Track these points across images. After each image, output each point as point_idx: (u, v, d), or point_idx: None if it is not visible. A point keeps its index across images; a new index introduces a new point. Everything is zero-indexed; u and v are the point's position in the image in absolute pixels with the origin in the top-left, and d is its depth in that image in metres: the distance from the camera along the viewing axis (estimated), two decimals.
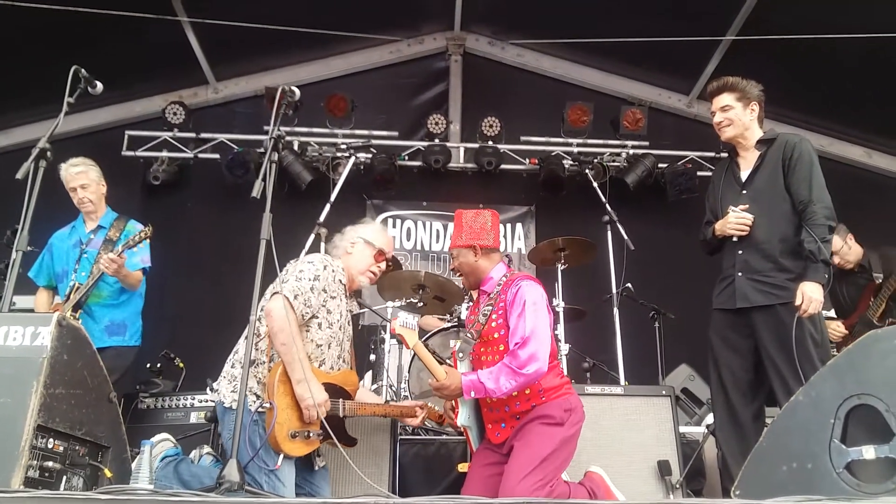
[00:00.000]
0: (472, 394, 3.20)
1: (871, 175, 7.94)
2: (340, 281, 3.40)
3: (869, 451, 2.22)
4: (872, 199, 7.16)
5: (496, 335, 3.32)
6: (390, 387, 5.17)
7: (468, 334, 3.48)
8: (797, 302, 3.44)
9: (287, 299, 3.04)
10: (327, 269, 3.30)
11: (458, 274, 3.61)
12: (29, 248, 3.33)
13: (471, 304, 5.07)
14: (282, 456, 3.00)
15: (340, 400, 3.27)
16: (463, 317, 5.02)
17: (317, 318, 3.24)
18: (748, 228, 3.76)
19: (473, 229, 3.50)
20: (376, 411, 3.50)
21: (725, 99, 3.90)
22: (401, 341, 3.36)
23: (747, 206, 3.80)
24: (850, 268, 5.30)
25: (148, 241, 4.57)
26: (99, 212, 4.67)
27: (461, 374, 3.26)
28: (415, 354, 4.95)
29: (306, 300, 3.14)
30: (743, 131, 3.89)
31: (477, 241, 3.47)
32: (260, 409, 3.00)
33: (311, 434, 3.09)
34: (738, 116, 3.88)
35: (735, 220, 3.78)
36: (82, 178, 4.56)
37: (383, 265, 3.62)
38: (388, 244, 3.65)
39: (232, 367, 3.24)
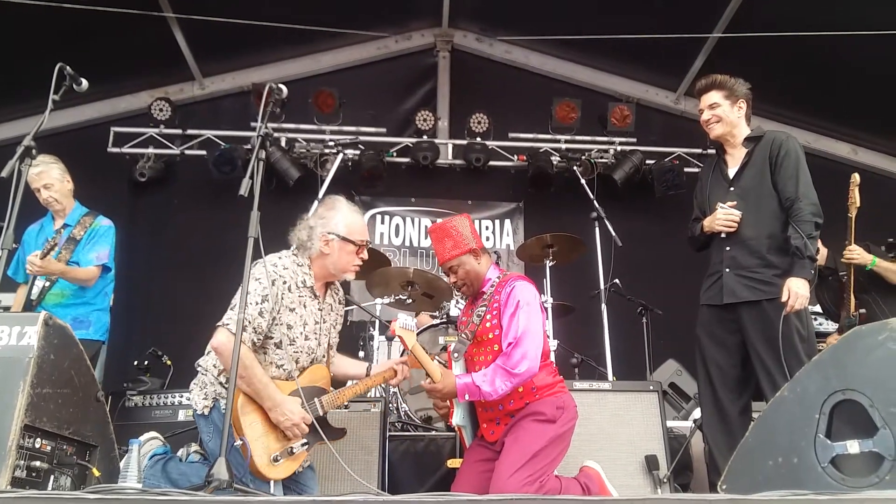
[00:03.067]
0: (467, 396, 3.21)
1: (857, 171, 7.96)
2: (303, 284, 3.21)
3: (853, 446, 2.25)
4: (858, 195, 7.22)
5: (489, 336, 3.33)
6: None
7: (462, 335, 3.47)
8: (783, 298, 3.47)
9: (234, 335, 2.77)
10: (276, 284, 3.08)
11: (462, 285, 3.49)
12: (14, 245, 3.31)
13: (460, 299, 5.10)
14: (272, 483, 2.95)
15: (315, 400, 3.17)
16: (452, 313, 5.02)
17: (272, 337, 3.09)
18: (736, 224, 3.80)
19: (463, 235, 3.43)
20: (357, 391, 3.38)
21: (713, 97, 3.93)
22: (401, 343, 3.33)
23: (735, 202, 3.83)
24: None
25: (108, 236, 4.55)
26: (67, 209, 4.59)
27: (455, 375, 3.25)
28: (405, 352, 4.97)
29: (256, 327, 3.00)
30: (731, 129, 3.92)
31: (472, 244, 3.43)
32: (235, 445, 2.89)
33: (294, 449, 3.02)
34: (726, 114, 3.90)
35: (723, 217, 3.82)
36: (44, 177, 4.47)
37: (365, 254, 3.39)
38: (364, 231, 3.39)
39: (202, 373, 3.17)
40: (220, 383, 3.08)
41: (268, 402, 2.97)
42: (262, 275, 3.08)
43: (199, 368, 3.22)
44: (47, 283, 4.37)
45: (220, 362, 3.04)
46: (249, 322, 2.96)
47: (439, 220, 3.55)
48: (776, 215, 3.73)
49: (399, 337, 3.22)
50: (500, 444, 3.28)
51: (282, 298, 3.10)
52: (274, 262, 3.17)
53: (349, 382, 3.59)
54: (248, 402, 2.99)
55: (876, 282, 5.06)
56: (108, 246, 4.57)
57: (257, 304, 3.02)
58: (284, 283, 3.13)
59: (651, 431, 4.03)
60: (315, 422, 3.05)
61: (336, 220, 3.30)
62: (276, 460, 2.97)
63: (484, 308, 3.38)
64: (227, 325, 2.95)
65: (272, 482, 2.96)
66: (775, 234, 3.72)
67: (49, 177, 4.49)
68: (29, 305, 4.32)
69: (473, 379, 3.19)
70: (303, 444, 3.05)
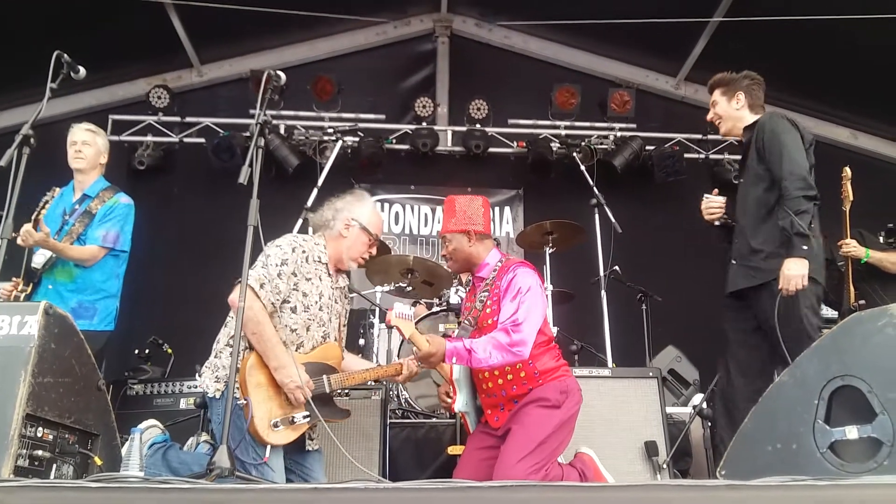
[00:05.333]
0: (454, 360, 3.15)
1: (857, 156, 7.96)
2: (318, 260, 3.34)
3: (852, 432, 2.26)
4: (858, 180, 7.21)
5: (489, 321, 3.33)
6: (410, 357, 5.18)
7: (465, 322, 3.47)
8: (780, 283, 3.48)
9: (252, 288, 3.01)
10: (296, 252, 3.23)
11: (449, 260, 3.56)
12: (14, 235, 3.29)
13: (460, 287, 5.11)
14: (269, 448, 2.99)
15: (324, 377, 3.23)
16: (452, 301, 5.03)
17: (288, 302, 3.19)
18: (717, 212, 3.92)
19: (467, 214, 3.47)
20: (366, 377, 3.45)
21: (713, 96, 4.04)
22: (399, 333, 3.33)
23: (718, 190, 3.97)
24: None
25: (123, 216, 4.40)
26: (89, 178, 4.47)
27: (446, 339, 3.23)
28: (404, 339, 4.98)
29: (274, 287, 3.10)
30: (733, 123, 3.99)
31: (471, 225, 3.45)
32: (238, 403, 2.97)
33: (295, 419, 3.06)
34: (724, 110, 3.98)
35: (704, 206, 3.95)
36: (89, 136, 4.42)
37: (374, 251, 3.58)
38: (381, 228, 3.59)
39: (215, 356, 3.21)
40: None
41: (274, 362, 3.04)
42: (282, 242, 3.25)
43: (214, 350, 3.24)
44: (53, 255, 4.19)
45: (233, 314, 3.08)
46: (269, 280, 3.08)
47: (460, 196, 3.60)
48: (760, 201, 3.77)
49: (396, 327, 3.22)
50: (503, 430, 3.28)
51: (301, 266, 3.23)
52: (294, 234, 3.37)
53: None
54: (257, 364, 3.05)
55: (874, 272, 5.07)
56: (118, 226, 4.39)
57: (277, 266, 3.14)
58: (304, 252, 3.27)
59: (650, 418, 4.04)
60: (310, 402, 3.05)
61: (362, 210, 3.49)
62: (275, 426, 3.01)
63: (486, 293, 3.39)
64: (251, 283, 3.02)
65: (269, 447, 2.99)
66: (759, 219, 3.77)
67: (94, 139, 4.43)
68: (31, 274, 4.18)
69: (466, 343, 3.14)
70: (304, 416, 3.08)
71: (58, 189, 4.42)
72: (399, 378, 3.52)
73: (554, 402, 3.24)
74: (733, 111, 3.95)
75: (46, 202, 4.21)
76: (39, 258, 4.20)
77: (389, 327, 5.06)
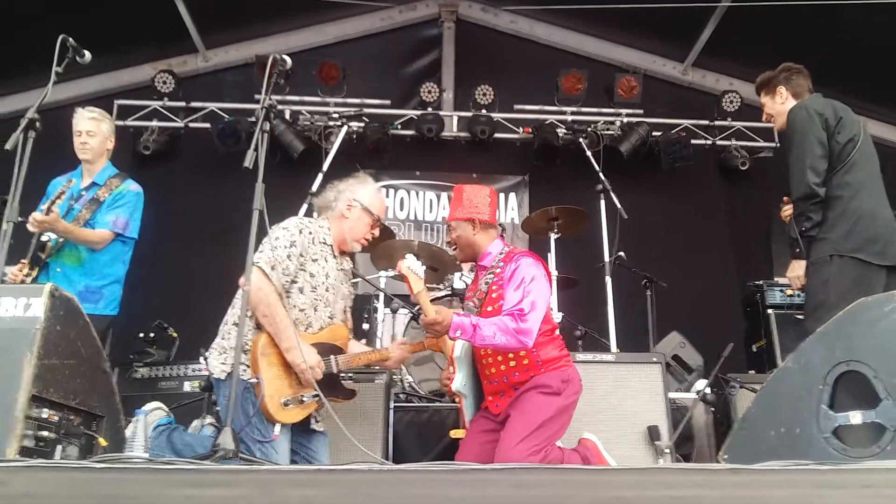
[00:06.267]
0: (459, 333, 3.15)
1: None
2: (324, 241, 3.39)
3: (856, 417, 2.26)
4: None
5: (490, 308, 3.35)
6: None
7: (471, 304, 3.50)
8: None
9: (263, 271, 3.07)
10: (303, 234, 3.28)
11: (453, 247, 3.60)
12: (20, 219, 3.30)
13: (464, 273, 5.12)
14: (278, 426, 3.02)
15: (332, 357, 3.28)
16: (456, 286, 5.04)
17: (296, 282, 3.24)
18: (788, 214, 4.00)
19: (473, 203, 3.51)
20: (371, 359, 3.52)
21: (761, 98, 4.13)
22: (406, 284, 3.35)
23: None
24: None
25: (132, 203, 4.44)
26: (97, 167, 4.49)
27: (455, 313, 3.23)
28: (410, 319, 4.99)
29: (284, 268, 3.16)
30: (784, 118, 4.04)
31: (476, 214, 3.48)
32: (249, 382, 3.01)
33: (304, 399, 3.12)
34: (771, 108, 4.07)
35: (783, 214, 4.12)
36: (93, 124, 4.42)
37: (377, 232, 3.60)
38: (384, 210, 3.64)
39: (222, 338, 3.24)
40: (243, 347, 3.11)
41: (285, 343, 3.09)
42: (289, 224, 3.30)
43: (221, 332, 3.27)
44: (60, 239, 4.22)
45: (249, 301, 3.09)
46: (279, 262, 3.13)
47: (468, 185, 3.65)
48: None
49: (404, 276, 3.21)
50: (503, 416, 3.30)
51: (308, 247, 3.28)
52: (300, 217, 3.42)
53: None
54: (269, 344, 3.09)
55: None
56: (128, 213, 4.43)
57: (285, 247, 3.19)
58: (310, 233, 3.32)
59: (654, 402, 4.04)
60: (316, 384, 3.08)
61: (364, 191, 3.54)
62: (286, 405, 3.06)
63: (491, 276, 3.42)
64: (258, 262, 3.07)
65: (278, 426, 3.03)
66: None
67: (98, 127, 4.43)
68: (37, 259, 4.19)
69: (474, 319, 3.14)
70: (313, 396, 3.12)
71: (74, 180, 4.41)
72: (388, 363, 3.58)
73: (555, 388, 3.26)
74: (779, 107, 4.02)
75: (62, 192, 4.20)
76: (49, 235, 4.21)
77: (395, 309, 5.08)
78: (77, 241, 4.27)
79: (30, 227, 4.05)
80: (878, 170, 3.92)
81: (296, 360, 3.07)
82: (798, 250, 3.72)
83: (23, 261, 4.23)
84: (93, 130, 4.42)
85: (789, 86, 3.99)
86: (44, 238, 4.20)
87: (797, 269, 3.77)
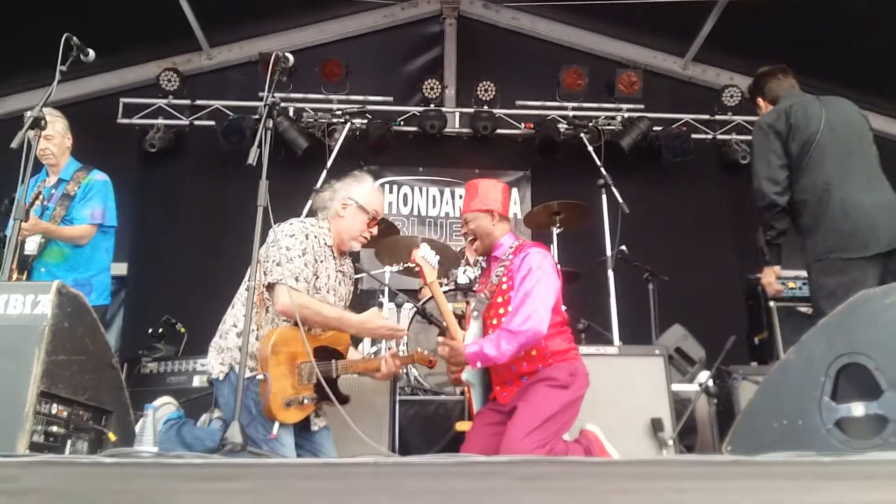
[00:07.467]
0: (479, 364, 3.26)
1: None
2: (325, 243, 3.39)
3: (858, 408, 2.26)
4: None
5: (500, 299, 3.40)
6: (389, 350, 5.21)
7: (482, 295, 3.54)
8: None
9: (290, 287, 3.11)
10: (310, 238, 3.29)
11: (470, 238, 3.62)
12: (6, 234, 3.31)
13: (468, 267, 5.14)
14: (277, 424, 3.03)
15: (333, 361, 3.29)
16: (460, 280, 5.06)
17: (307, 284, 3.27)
18: None
19: (490, 196, 3.58)
20: (366, 367, 3.52)
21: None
22: (419, 273, 3.36)
23: None
24: None
25: (103, 192, 4.45)
26: (61, 164, 4.49)
27: (465, 345, 3.31)
28: (414, 314, 5.00)
29: (306, 277, 3.20)
30: None
31: (494, 205, 3.56)
32: (256, 378, 3.02)
33: (304, 400, 3.12)
34: (760, 113, 4.13)
35: None
36: (47, 128, 4.25)
37: (375, 230, 3.59)
38: (380, 206, 3.60)
39: (220, 337, 3.25)
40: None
41: (355, 325, 3.25)
42: (295, 231, 3.29)
43: (219, 331, 3.29)
44: (42, 240, 4.23)
45: (288, 318, 3.16)
46: (301, 273, 3.17)
47: (483, 179, 3.73)
48: None
49: (418, 265, 3.23)
50: (510, 407, 3.32)
51: (316, 251, 3.30)
52: (301, 220, 3.41)
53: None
54: (281, 342, 3.08)
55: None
56: (102, 202, 4.46)
57: (300, 256, 3.21)
58: (315, 237, 3.33)
59: (657, 395, 4.06)
60: (324, 382, 3.09)
61: (358, 189, 3.53)
62: (287, 405, 3.06)
63: (502, 268, 3.46)
64: (281, 280, 3.10)
65: (276, 424, 3.03)
66: None
67: (52, 128, 4.36)
68: (24, 262, 4.19)
69: (480, 346, 3.23)
70: (311, 399, 3.15)
71: (46, 181, 4.45)
72: (378, 376, 3.54)
73: (562, 382, 3.29)
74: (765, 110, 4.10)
75: (38, 194, 4.23)
76: (31, 244, 4.24)
77: (400, 304, 5.09)
78: (62, 239, 4.31)
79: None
80: (860, 149, 3.85)
81: (377, 329, 3.35)
82: (766, 258, 3.88)
83: (11, 267, 4.27)
84: (49, 133, 4.32)
85: (764, 96, 4.09)
86: (27, 251, 4.20)
87: (768, 275, 3.92)
